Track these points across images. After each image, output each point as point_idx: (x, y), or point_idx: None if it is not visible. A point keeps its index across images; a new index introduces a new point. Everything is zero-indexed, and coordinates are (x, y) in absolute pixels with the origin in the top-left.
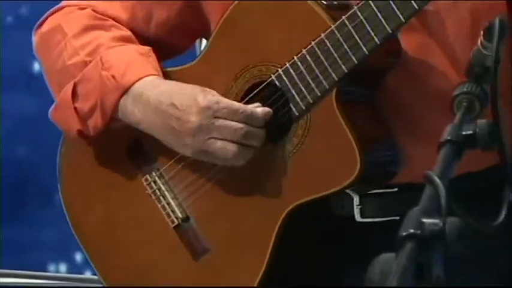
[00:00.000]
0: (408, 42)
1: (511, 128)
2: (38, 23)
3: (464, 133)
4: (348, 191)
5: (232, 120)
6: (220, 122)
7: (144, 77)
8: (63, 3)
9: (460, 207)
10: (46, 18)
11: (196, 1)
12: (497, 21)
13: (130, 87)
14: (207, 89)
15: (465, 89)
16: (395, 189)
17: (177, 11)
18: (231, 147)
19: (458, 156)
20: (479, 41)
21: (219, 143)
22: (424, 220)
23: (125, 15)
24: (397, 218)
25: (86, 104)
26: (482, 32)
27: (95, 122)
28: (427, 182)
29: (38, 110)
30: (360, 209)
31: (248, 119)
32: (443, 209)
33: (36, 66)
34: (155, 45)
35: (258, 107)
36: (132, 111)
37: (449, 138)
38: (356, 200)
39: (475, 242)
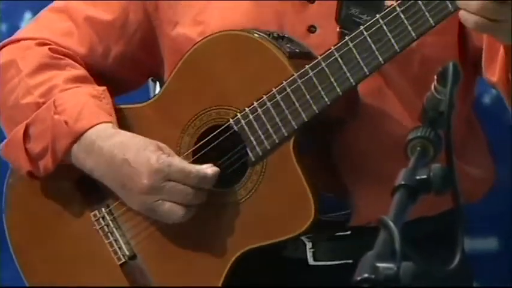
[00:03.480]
0: (363, 87)
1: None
2: None
3: (418, 177)
4: (303, 239)
5: (182, 183)
6: (171, 185)
7: (97, 124)
8: (19, 35)
9: (414, 251)
10: (1, 48)
11: (152, 40)
12: (450, 66)
13: (82, 134)
14: (162, 147)
15: (419, 134)
16: (348, 233)
17: (134, 49)
18: (179, 210)
19: (413, 200)
20: (432, 86)
21: (167, 205)
22: (379, 264)
23: (83, 49)
24: (350, 261)
25: (37, 145)
26: (436, 77)
27: (46, 164)
28: (381, 226)
29: None
30: (313, 252)
31: (199, 182)
32: (398, 253)
33: None
34: (110, 79)
35: (208, 167)
36: (83, 159)
37: (403, 182)
38: (309, 243)
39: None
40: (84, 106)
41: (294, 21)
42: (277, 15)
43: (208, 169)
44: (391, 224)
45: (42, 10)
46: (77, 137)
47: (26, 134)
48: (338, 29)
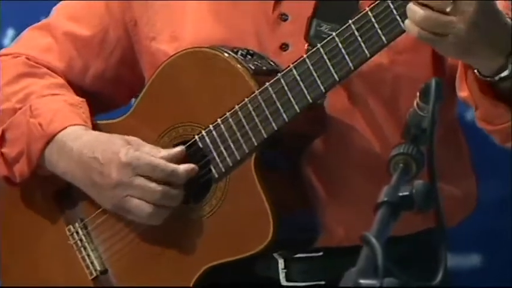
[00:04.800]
0: (333, 105)
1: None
2: None
3: (400, 194)
4: (275, 256)
5: (151, 179)
6: (139, 180)
7: (69, 126)
8: None
9: (396, 267)
10: None
11: (132, 57)
12: (433, 82)
13: (55, 135)
14: (132, 141)
15: (402, 150)
16: (321, 254)
17: (114, 65)
18: (146, 208)
19: (395, 217)
20: (415, 102)
21: (135, 201)
22: (361, 281)
23: (62, 64)
24: (322, 282)
25: (12, 149)
26: (418, 94)
27: (21, 168)
28: (363, 242)
29: None
30: (285, 273)
31: (168, 177)
32: (380, 269)
33: None
34: (91, 97)
35: (178, 153)
36: (56, 161)
37: (385, 199)
38: (281, 263)
39: None
40: (59, 110)
41: (267, 39)
42: (252, 33)
43: (181, 165)
44: (374, 240)
45: (25, 26)
46: (49, 139)
47: (2, 139)
48: (306, 47)
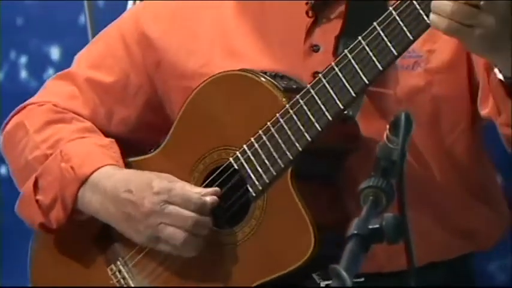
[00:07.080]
0: (368, 127)
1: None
2: (5, 122)
3: (370, 227)
4: (315, 277)
5: (184, 208)
6: (172, 208)
7: (101, 167)
8: (25, 103)
9: None
10: (11, 118)
11: (157, 100)
12: (403, 115)
13: (88, 177)
14: (164, 175)
15: (371, 183)
16: (362, 279)
17: (138, 110)
18: (180, 235)
19: (365, 249)
20: (385, 135)
21: (169, 229)
22: None
23: (87, 111)
24: None
25: (47, 196)
26: (388, 126)
27: (57, 214)
28: (333, 275)
29: None
30: None
31: (199, 208)
32: None
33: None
34: (119, 142)
35: (212, 193)
36: (89, 200)
37: (355, 232)
38: (323, 284)
39: None
40: (89, 152)
41: (299, 69)
42: (284, 62)
43: (208, 197)
44: (344, 273)
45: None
46: (83, 181)
47: (35, 186)
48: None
